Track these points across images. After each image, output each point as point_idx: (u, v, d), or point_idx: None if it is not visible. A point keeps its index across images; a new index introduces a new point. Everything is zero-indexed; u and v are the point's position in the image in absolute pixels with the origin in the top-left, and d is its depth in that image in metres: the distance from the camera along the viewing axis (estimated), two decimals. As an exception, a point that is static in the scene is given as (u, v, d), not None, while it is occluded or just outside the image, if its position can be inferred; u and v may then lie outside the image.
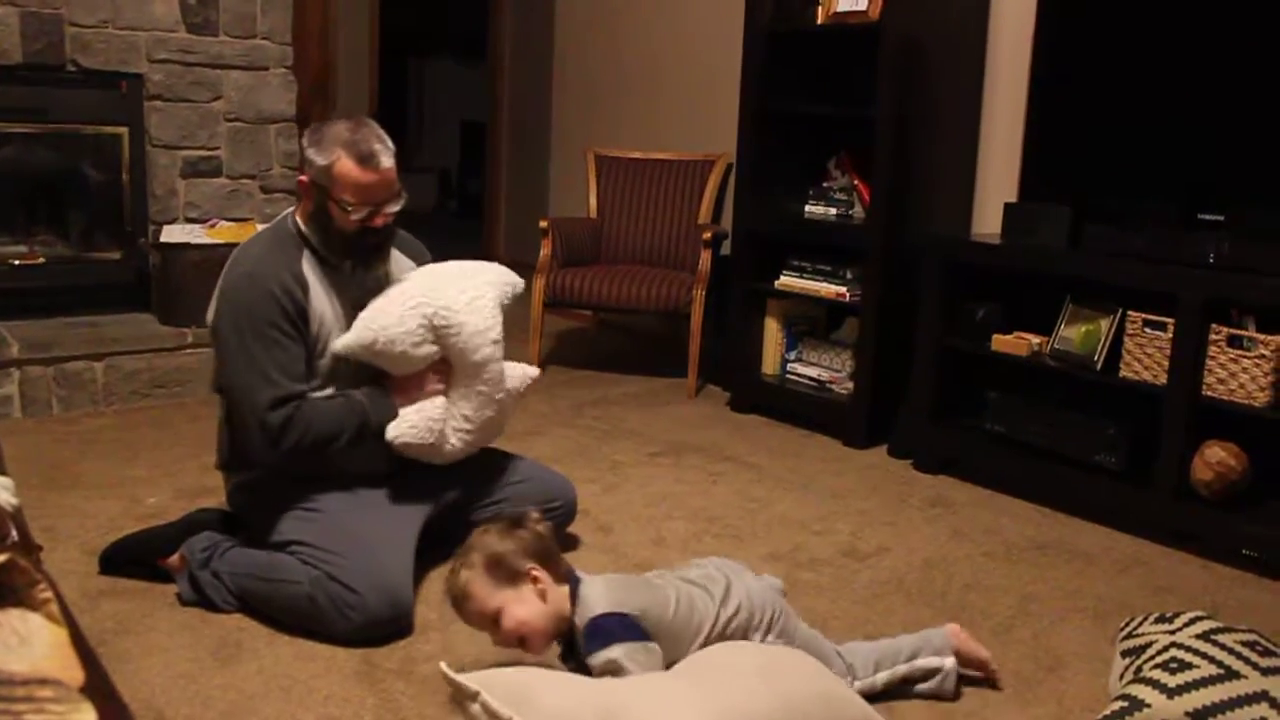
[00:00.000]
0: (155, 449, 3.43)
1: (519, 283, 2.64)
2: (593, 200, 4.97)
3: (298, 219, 2.48)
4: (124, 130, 4.10)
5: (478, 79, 8.14)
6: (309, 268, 2.43)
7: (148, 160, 4.13)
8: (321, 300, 2.43)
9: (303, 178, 2.41)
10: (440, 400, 2.49)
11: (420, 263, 2.69)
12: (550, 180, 6.24)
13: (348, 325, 2.46)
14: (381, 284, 2.56)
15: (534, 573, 1.93)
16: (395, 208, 2.42)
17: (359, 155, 2.33)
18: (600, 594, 1.94)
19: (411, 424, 2.45)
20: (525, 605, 1.92)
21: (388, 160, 2.37)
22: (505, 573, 1.93)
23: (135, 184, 4.15)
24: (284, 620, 2.31)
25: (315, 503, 2.41)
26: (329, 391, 2.46)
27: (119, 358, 3.85)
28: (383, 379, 2.51)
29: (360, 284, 2.51)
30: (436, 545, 2.63)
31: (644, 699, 1.69)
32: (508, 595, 1.92)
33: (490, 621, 1.94)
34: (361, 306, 2.49)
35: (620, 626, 1.88)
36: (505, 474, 2.70)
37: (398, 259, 2.62)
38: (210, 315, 2.44)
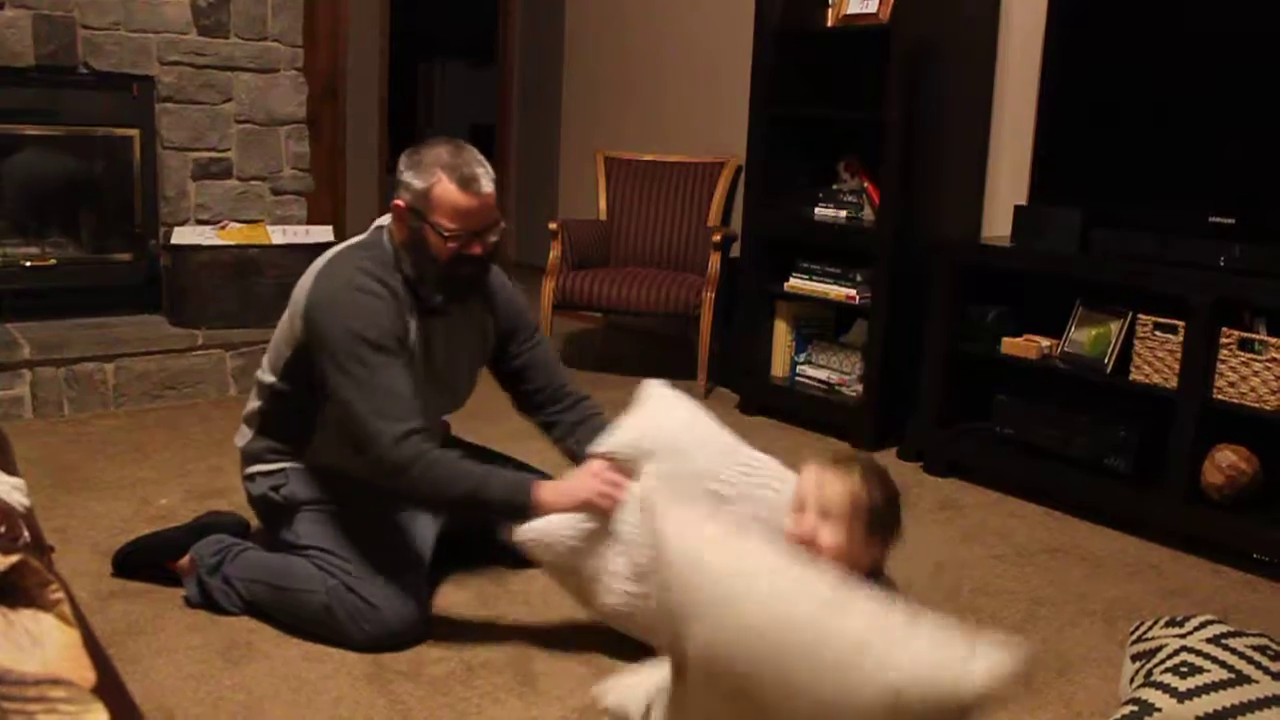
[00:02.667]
0: (166, 450, 3.44)
1: None
2: (602, 203, 4.97)
3: (395, 241, 2.36)
4: (135, 132, 4.11)
5: (488, 82, 8.15)
6: (401, 290, 2.33)
7: (159, 162, 4.14)
8: (407, 328, 2.33)
9: (398, 202, 2.28)
10: (597, 528, 2.16)
11: (505, 296, 2.54)
12: (560, 183, 6.25)
13: (424, 364, 2.37)
14: (467, 329, 2.46)
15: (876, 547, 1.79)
16: (494, 237, 2.31)
17: (461, 179, 2.23)
18: None
19: (547, 530, 2.15)
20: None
21: (489, 185, 2.27)
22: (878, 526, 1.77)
23: (146, 186, 4.16)
24: (296, 626, 2.31)
25: (337, 505, 2.39)
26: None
27: (130, 359, 3.86)
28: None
29: (444, 327, 2.41)
30: (451, 554, 2.63)
31: None
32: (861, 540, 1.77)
33: (819, 529, 1.75)
34: (444, 350, 2.40)
35: None
36: None
37: (479, 306, 2.50)
38: (306, 322, 2.29)
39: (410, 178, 2.26)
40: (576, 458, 2.42)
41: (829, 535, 1.75)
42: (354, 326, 2.21)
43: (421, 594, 2.31)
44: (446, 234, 2.24)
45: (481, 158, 2.31)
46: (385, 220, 2.41)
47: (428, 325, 2.39)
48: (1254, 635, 2.03)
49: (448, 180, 2.23)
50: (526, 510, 2.16)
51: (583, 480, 2.18)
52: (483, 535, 2.64)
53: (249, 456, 2.50)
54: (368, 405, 2.18)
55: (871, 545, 1.78)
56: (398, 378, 2.21)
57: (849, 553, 1.75)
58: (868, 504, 1.76)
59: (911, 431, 3.64)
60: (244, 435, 2.52)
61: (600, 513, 2.15)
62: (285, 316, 2.41)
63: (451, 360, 2.47)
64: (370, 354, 2.20)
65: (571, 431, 2.52)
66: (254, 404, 2.50)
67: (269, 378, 2.44)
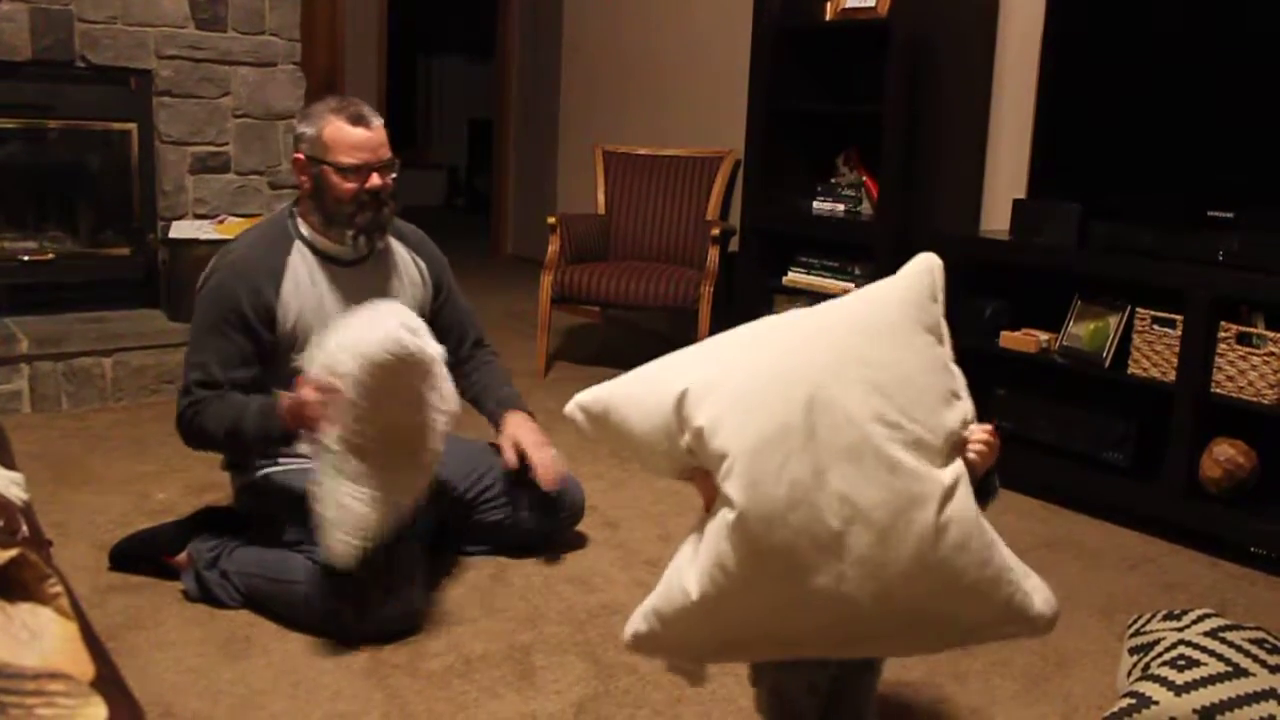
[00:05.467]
0: (164, 445, 3.44)
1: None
2: (601, 197, 4.97)
3: (294, 212, 2.50)
4: (133, 126, 4.11)
5: (486, 76, 8.14)
6: (300, 261, 2.45)
7: (156, 156, 4.14)
8: (304, 290, 2.43)
9: (297, 155, 2.44)
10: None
11: (426, 254, 2.68)
12: (558, 177, 6.24)
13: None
14: (385, 283, 2.57)
15: None
16: (392, 174, 2.46)
17: (350, 116, 2.39)
18: None
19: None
20: None
21: (377, 121, 2.43)
22: None
23: (144, 180, 4.16)
24: (293, 619, 2.31)
25: None
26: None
27: (128, 353, 3.86)
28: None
29: (362, 280, 2.52)
30: (442, 543, 2.64)
31: None
32: None
33: None
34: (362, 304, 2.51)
35: None
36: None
37: (403, 256, 2.63)
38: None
39: (304, 129, 2.42)
40: (481, 409, 2.75)
41: None
42: (206, 298, 2.40)
43: (415, 579, 2.32)
44: (345, 167, 2.38)
45: (366, 104, 2.49)
46: (289, 203, 2.56)
47: (349, 281, 2.49)
48: (1251, 629, 2.04)
49: (338, 120, 2.39)
50: (280, 436, 2.29)
51: (305, 400, 2.18)
52: (475, 527, 2.66)
53: (232, 472, 2.56)
54: (199, 367, 2.37)
55: None
56: (220, 349, 2.36)
57: None
58: None
59: (910, 425, 3.63)
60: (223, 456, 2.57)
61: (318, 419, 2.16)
62: None
63: None
64: (207, 326, 2.37)
65: (468, 385, 2.75)
66: None
67: None
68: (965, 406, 1.58)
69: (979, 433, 1.58)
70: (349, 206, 2.41)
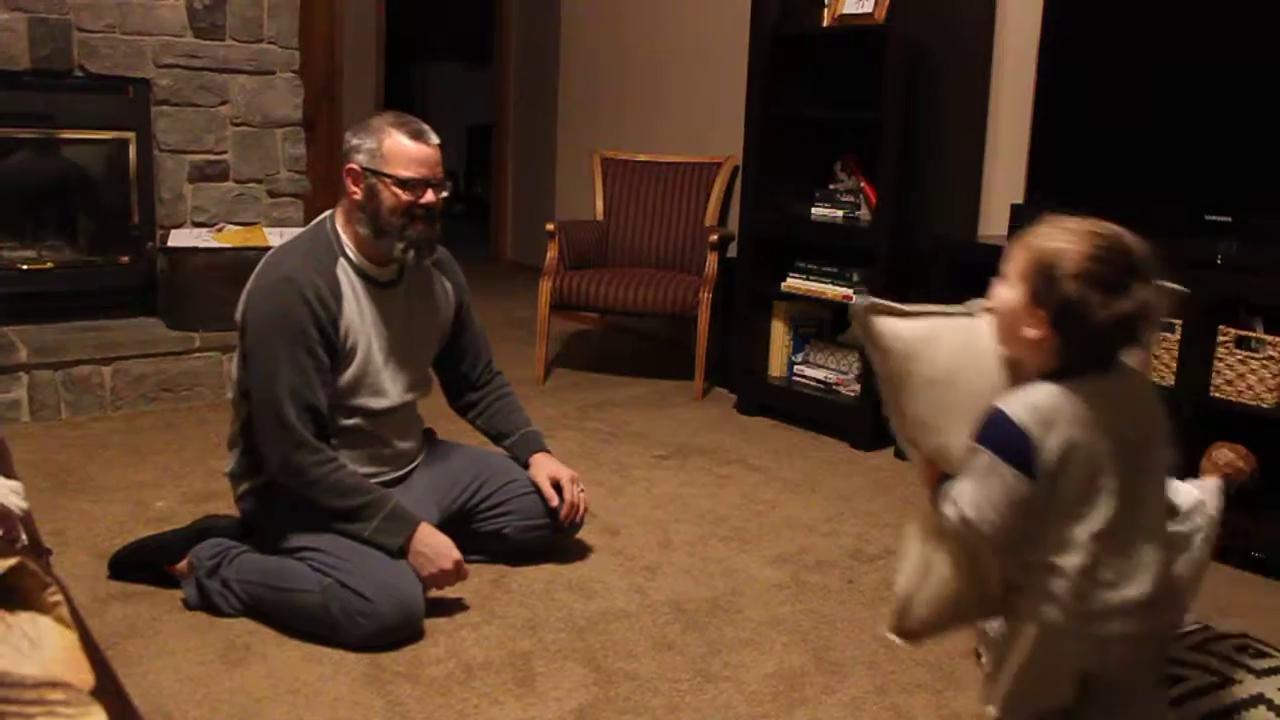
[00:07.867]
0: (163, 453, 3.44)
1: None
2: (599, 203, 4.97)
3: (336, 226, 2.45)
4: (131, 135, 4.10)
5: (484, 83, 8.15)
6: (344, 276, 2.41)
7: (155, 165, 4.14)
8: (352, 308, 2.41)
9: (351, 166, 2.39)
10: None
11: (451, 276, 2.66)
12: (556, 183, 6.25)
13: (383, 342, 2.46)
14: (417, 305, 2.55)
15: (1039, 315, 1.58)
16: (445, 193, 2.44)
17: (410, 131, 2.39)
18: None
19: None
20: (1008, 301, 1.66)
21: (435, 139, 2.42)
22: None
23: (142, 189, 4.16)
24: (295, 626, 2.31)
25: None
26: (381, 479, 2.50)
27: (127, 362, 3.86)
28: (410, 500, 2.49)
29: (397, 301, 2.50)
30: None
31: None
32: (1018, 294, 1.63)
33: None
34: (401, 325, 2.49)
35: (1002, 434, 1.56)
36: (512, 481, 2.70)
37: (432, 278, 2.61)
38: (240, 313, 2.41)
39: (360, 140, 2.40)
40: (490, 435, 2.80)
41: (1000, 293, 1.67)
42: (274, 315, 2.33)
43: (415, 588, 2.32)
44: (402, 181, 2.36)
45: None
46: (328, 214, 2.51)
47: (384, 302, 2.47)
48: (1235, 637, 2.04)
49: (398, 134, 2.38)
50: (397, 553, 2.33)
51: (438, 548, 2.38)
52: (473, 537, 2.66)
53: (236, 478, 2.53)
54: (282, 393, 2.30)
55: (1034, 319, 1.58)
56: (305, 370, 2.32)
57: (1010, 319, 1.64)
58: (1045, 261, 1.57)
59: (909, 431, 3.63)
60: (230, 460, 2.55)
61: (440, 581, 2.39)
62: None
63: (416, 333, 2.57)
64: (288, 344, 2.31)
65: (486, 410, 2.79)
66: (233, 427, 2.55)
67: (236, 394, 2.50)
68: None
69: None
70: (401, 219, 2.38)
